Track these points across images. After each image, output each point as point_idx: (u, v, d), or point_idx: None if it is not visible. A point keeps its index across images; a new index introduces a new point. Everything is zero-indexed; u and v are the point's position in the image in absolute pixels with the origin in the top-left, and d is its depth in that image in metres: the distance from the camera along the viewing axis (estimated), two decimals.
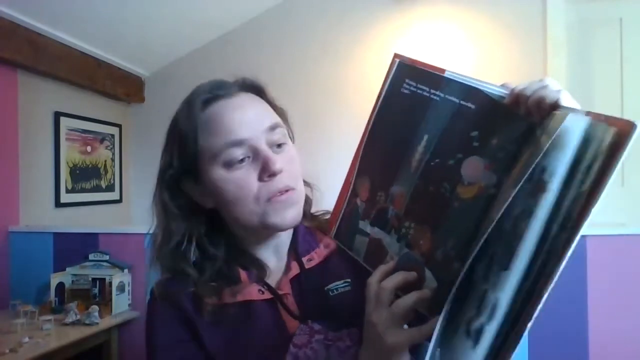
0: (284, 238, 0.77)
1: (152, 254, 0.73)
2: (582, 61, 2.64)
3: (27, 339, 1.87)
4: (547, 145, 0.45)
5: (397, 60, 0.67)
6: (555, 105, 0.50)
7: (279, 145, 0.71)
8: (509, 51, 2.74)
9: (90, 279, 2.31)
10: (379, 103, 0.69)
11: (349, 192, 0.73)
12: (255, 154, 0.68)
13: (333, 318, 0.71)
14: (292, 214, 0.70)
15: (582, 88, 2.62)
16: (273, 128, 0.70)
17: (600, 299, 2.10)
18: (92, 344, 2.13)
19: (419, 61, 0.65)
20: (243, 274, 0.73)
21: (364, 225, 0.70)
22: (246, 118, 0.68)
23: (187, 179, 0.72)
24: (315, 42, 3.07)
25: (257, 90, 0.76)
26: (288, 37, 3.12)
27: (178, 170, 0.71)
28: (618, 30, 2.59)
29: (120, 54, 3.04)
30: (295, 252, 0.77)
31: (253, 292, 0.72)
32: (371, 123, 0.70)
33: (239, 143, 0.67)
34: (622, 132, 0.42)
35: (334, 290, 0.74)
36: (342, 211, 0.74)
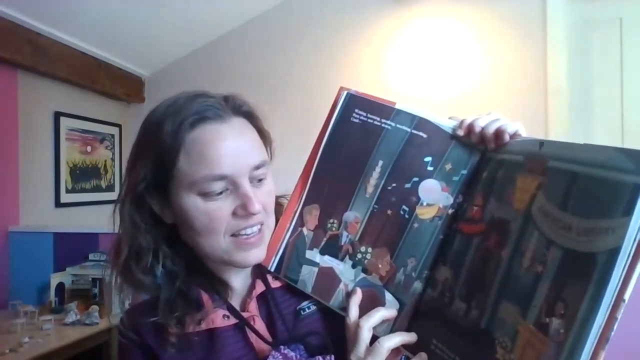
0: None
1: (117, 268, 0.68)
2: (582, 61, 2.63)
3: (27, 339, 1.87)
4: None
5: (345, 92, 0.72)
6: (515, 135, 0.61)
7: (260, 180, 0.67)
8: (508, 51, 2.74)
9: (90, 279, 2.30)
10: (327, 132, 0.71)
11: (293, 221, 0.72)
12: (235, 188, 0.64)
13: (307, 341, 0.67)
14: (255, 254, 0.68)
15: (582, 88, 2.62)
16: (259, 167, 0.66)
17: None
18: (92, 344, 2.12)
19: (368, 94, 0.71)
20: (205, 297, 0.69)
21: (313, 255, 0.70)
22: (233, 151, 0.64)
23: (153, 193, 0.67)
24: (314, 42, 3.07)
25: (249, 115, 0.70)
26: (287, 38, 3.12)
27: (149, 185, 0.66)
28: (618, 30, 2.58)
29: (120, 54, 3.03)
30: (259, 270, 0.73)
31: (217, 319, 0.68)
32: (320, 152, 0.72)
33: (220, 178, 0.63)
34: None
35: (306, 309, 0.71)
36: (284, 242, 0.72)
